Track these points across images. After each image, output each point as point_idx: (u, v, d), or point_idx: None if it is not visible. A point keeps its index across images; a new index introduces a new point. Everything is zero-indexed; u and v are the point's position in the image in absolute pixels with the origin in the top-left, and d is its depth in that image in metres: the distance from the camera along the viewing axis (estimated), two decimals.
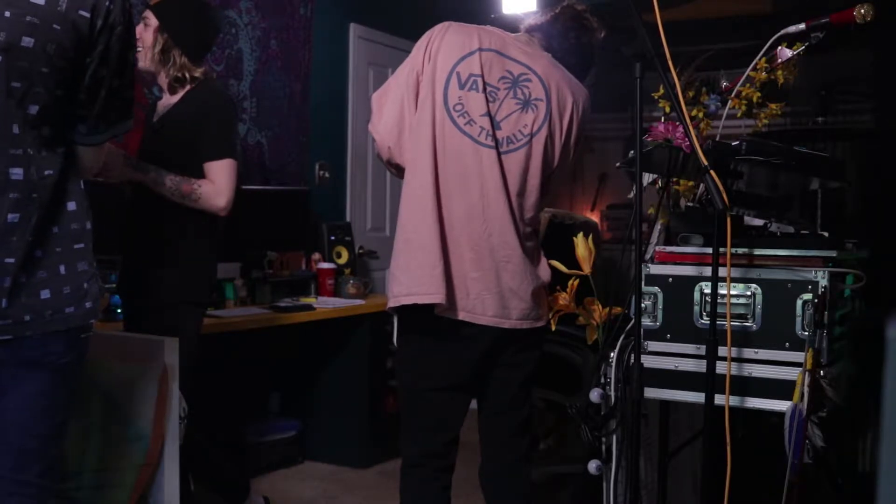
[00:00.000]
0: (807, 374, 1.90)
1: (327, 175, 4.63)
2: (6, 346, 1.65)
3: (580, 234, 2.27)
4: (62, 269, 1.68)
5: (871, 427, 2.63)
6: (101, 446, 2.20)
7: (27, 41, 1.58)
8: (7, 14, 1.56)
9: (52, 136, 1.67)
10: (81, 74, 1.68)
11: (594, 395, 2.14)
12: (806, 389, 1.89)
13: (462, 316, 2.07)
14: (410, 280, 2.06)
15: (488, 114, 2.08)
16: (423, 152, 2.08)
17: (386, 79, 2.26)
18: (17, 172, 1.60)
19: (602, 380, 2.17)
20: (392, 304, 2.10)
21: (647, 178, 2.23)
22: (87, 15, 1.63)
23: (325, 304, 3.92)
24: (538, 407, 3.04)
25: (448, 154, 2.07)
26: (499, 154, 2.09)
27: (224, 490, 3.08)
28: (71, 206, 1.70)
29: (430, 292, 2.03)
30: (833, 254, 1.99)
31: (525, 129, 2.11)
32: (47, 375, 1.72)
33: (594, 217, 5.48)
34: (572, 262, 2.26)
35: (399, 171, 2.17)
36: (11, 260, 1.60)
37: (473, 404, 2.23)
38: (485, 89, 2.09)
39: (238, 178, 2.64)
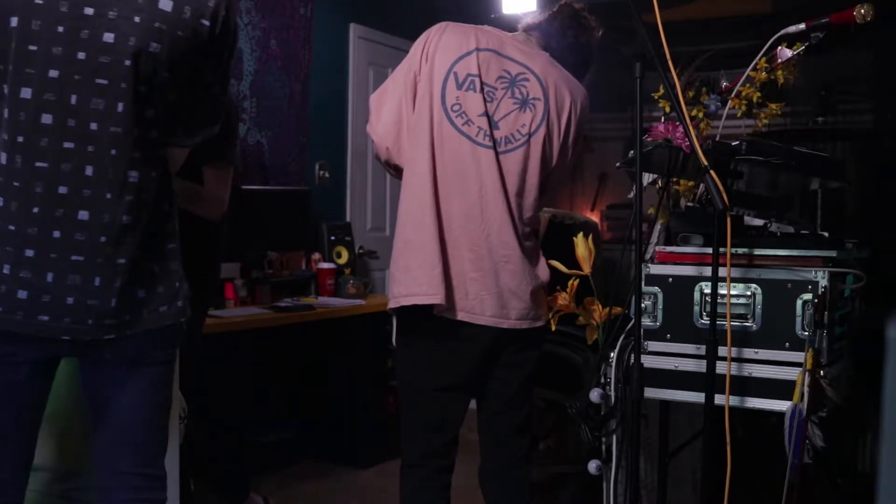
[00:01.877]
0: (807, 374, 1.90)
1: (327, 175, 4.63)
2: (112, 346, 1.68)
3: (580, 234, 2.27)
4: (156, 268, 1.69)
5: (871, 427, 2.63)
6: None
7: (154, 47, 1.60)
8: (136, 20, 1.59)
9: (159, 138, 1.69)
10: (194, 80, 1.70)
11: (594, 395, 2.14)
12: (806, 389, 1.89)
13: (461, 316, 2.07)
14: (410, 281, 2.06)
15: (486, 114, 2.08)
16: (421, 153, 2.08)
17: (386, 79, 2.26)
18: (133, 175, 1.63)
19: (602, 380, 2.17)
20: (392, 304, 2.11)
21: (647, 178, 2.23)
22: (208, 23, 1.66)
23: (325, 304, 3.92)
24: (538, 407, 3.04)
25: (446, 154, 2.07)
26: (497, 154, 2.09)
27: (224, 490, 3.08)
28: (166, 206, 1.72)
29: (429, 293, 2.03)
30: (833, 254, 1.99)
31: (523, 129, 2.11)
32: (155, 372, 1.77)
33: (594, 217, 5.49)
34: (572, 262, 2.26)
35: (398, 171, 2.17)
36: (123, 261, 1.62)
37: (473, 404, 2.23)
38: (482, 89, 2.09)
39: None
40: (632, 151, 2.02)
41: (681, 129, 2.04)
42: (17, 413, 1.70)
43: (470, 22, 2.24)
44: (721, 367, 1.91)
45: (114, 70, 1.59)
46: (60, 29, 1.56)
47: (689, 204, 2.41)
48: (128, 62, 1.59)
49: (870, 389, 2.23)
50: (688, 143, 1.98)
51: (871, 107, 4.84)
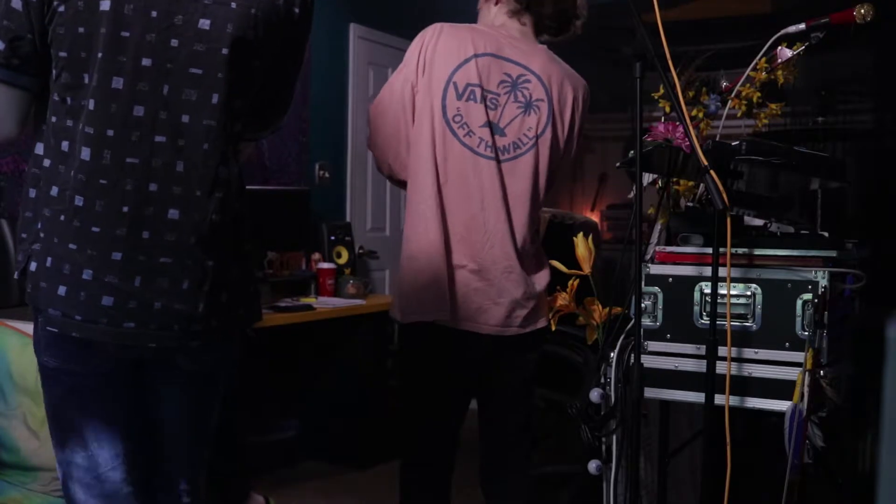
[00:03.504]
0: (807, 374, 1.90)
1: (327, 175, 4.63)
2: (191, 354, 1.57)
3: (580, 234, 2.27)
4: (236, 270, 1.58)
5: (871, 427, 2.63)
6: None
7: (250, 34, 1.50)
8: (233, 5, 1.49)
9: (241, 131, 1.59)
10: (278, 70, 1.61)
11: (594, 395, 2.13)
12: (806, 389, 1.89)
13: (465, 326, 2.06)
14: (417, 298, 2.05)
15: (488, 124, 2.06)
16: (423, 167, 2.06)
17: (386, 79, 2.24)
18: (223, 171, 1.52)
19: (602, 380, 2.17)
20: (403, 320, 2.10)
21: (647, 178, 2.23)
22: (297, 10, 1.58)
23: (325, 304, 3.92)
24: (538, 407, 3.04)
25: (449, 167, 2.06)
26: (499, 164, 2.07)
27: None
28: (240, 205, 1.59)
29: (436, 309, 2.04)
30: (833, 254, 1.99)
31: (530, 133, 2.10)
32: (221, 382, 1.67)
33: (594, 217, 5.48)
34: (572, 262, 2.26)
35: (402, 184, 2.16)
36: (211, 263, 1.51)
37: (473, 404, 2.23)
38: (484, 98, 2.06)
39: None
40: (632, 151, 2.02)
41: (681, 129, 2.04)
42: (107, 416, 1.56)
43: (471, 21, 2.23)
44: (721, 367, 1.91)
45: (210, 59, 1.48)
46: (154, 14, 1.45)
47: (689, 204, 2.41)
48: (225, 50, 1.48)
49: (870, 389, 2.23)
50: (688, 143, 1.98)
51: (871, 107, 4.84)
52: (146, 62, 1.45)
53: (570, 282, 2.26)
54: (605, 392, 2.15)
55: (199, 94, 1.48)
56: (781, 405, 1.95)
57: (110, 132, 1.44)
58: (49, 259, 1.45)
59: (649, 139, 2.10)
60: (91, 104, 1.44)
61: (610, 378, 2.15)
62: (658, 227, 2.33)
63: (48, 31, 1.44)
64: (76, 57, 1.44)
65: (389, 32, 4.94)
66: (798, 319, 1.96)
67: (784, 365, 1.97)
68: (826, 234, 2.09)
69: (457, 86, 2.05)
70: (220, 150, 1.51)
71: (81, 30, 1.43)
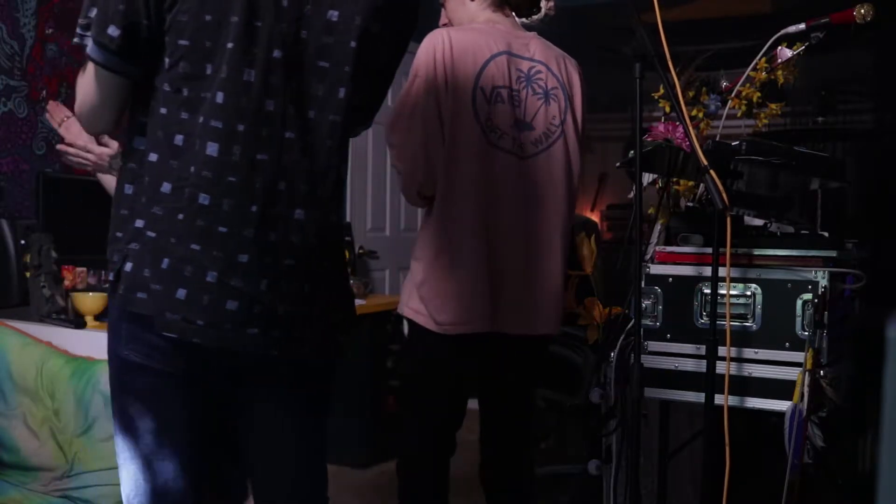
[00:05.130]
0: (807, 374, 1.90)
1: None
2: (290, 365, 1.51)
3: (582, 234, 2.27)
4: (334, 274, 1.51)
5: (871, 427, 2.63)
6: (101, 446, 2.21)
7: (376, 27, 1.45)
8: None
9: (352, 128, 1.52)
10: (389, 64, 1.55)
11: (594, 395, 2.14)
12: (806, 389, 1.89)
13: (489, 327, 2.05)
14: (459, 309, 2.01)
15: (516, 123, 2.05)
16: (461, 179, 2.02)
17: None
18: (343, 169, 1.47)
19: (602, 380, 2.17)
20: (440, 331, 2.04)
21: (647, 178, 2.23)
22: (414, 3, 1.53)
23: None
24: (538, 407, 3.04)
25: (487, 175, 2.02)
26: (527, 161, 2.06)
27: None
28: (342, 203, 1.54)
29: (480, 321, 2.02)
30: (833, 254, 1.99)
31: (555, 121, 2.10)
32: (327, 389, 1.64)
33: (594, 217, 5.49)
34: (572, 262, 2.26)
35: (427, 200, 2.09)
36: (328, 264, 1.46)
37: (474, 404, 2.23)
38: (511, 98, 2.04)
39: None
40: (632, 151, 2.02)
41: (681, 129, 2.04)
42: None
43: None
44: (721, 367, 1.91)
45: (337, 51, 1.42)
46: (284, 3, 1.38)
47: (689, 204, 2.41)
48: (353, 43, 1.42)
49: (870, 389, 2.23)
50: (688, 143, 1.98)
51: (871, 107, 4.85)
52: (277, 54, 1.38)
53: (571, 281, 2.26)
54: (605, 392, 2.15)
55: (325, 89, 1.42)
56: (781, 405, 1.95)
57: (241, 127, 1.36)
58: (165, 260, 1.36)
59: (649, 139, 2.10)
60: (220, 97, 1.35)
61: (610, 378, 2.15)
62: (658, 227, 2.34)
63: (165, 19, 1.35)
64: (199, 46, 1.35)
65: None
66: (798, 319, 1.96)
67: (784, 365, 1.97)
68: (826, 234, 2.09)
69: (484, 90, 2.01)
70: (342, 147, 1.46)
71: (209, 17, 1.34)
